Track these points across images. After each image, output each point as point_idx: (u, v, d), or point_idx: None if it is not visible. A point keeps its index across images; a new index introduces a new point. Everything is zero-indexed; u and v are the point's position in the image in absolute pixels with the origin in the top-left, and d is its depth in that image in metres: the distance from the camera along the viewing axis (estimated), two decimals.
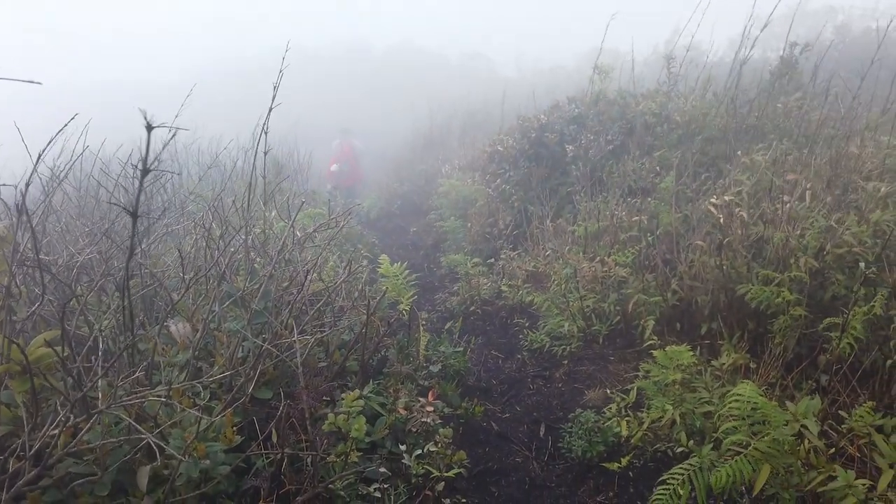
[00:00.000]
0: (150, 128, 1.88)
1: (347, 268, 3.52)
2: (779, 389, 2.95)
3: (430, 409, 3.06)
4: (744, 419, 2.34)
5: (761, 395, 2.30)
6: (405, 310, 4.05)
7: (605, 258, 4.38)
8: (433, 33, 32.17)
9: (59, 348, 1.99)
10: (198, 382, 2.06)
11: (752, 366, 3.16)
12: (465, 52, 29.98)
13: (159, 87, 22.91)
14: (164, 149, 2.22)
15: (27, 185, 2.15)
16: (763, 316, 3.32)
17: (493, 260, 6.20)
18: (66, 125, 2.46)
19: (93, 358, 2.14)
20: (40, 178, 3.97)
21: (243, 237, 3.34)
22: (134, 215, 2.08)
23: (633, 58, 7.71)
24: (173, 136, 2.28)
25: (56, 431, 1.70)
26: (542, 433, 3.42)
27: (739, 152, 4.87)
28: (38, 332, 2.35)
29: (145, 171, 2.02)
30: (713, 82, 6.88)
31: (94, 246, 3.19)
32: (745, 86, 6.12)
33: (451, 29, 34.51)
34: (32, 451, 1.68)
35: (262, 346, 2.36)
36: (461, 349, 4.02)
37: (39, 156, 2.40)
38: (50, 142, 2.37)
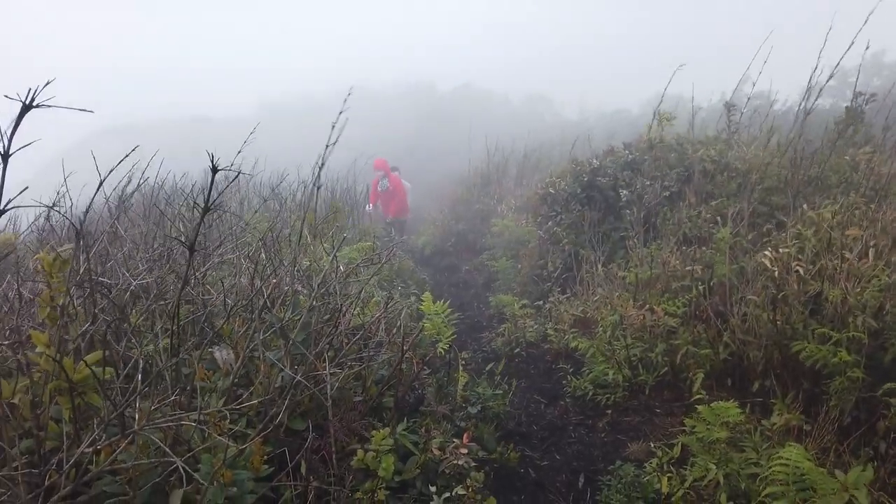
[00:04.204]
0: (214, 170, 1.99)
1: (387, 303, 3.56)
2: (833, 455, 2.76)
3: (463, 451, 3.00)
4: (790, 485, 2.20)
5: (809, 460, 2.16)
6: (443, 349, 4.03)
7: (655, 306, 4.25)
8: (498, 76, 32.95)
9: (105, 368, 2.09)
10: (228, 409, 2.11)
11: (807, 428, 2.98)
12: (529, 95, 30.45)
13: (237, 120, 24.37)
14: (226, 187, 2.33)
15: (113, 221, 2.28)
16: (819, 376, 3.14)
17: (541, 302, 6.13)
18: (159, 159, 2.63)
19: (136, 379, 2.23)
20: (110, 207, 4.24)
21: (291, 269, 3.44)
22: (191, 249, 2.19)
23: (693, 104, 7.60)
24: (236, 177, 2.40)
25: (90, 449, 1.77)
26: (580, 484, 3.31)
27: (805, 205, 4.65)
28: (90, 352, 2.46)
29: (206, 210, 2.13)
30: (777, 131, 6.68)
31: (152, 272, 3.34)
32: (811, 136, 5.91)
33: (516, 73, 35.28)
34: (69, 466, 1.75)
35: (296, 377, 2.40)
36: (501, 392, 3.97)
37: (121, 198, 2.57)
38: (131, 184, 2.53)
